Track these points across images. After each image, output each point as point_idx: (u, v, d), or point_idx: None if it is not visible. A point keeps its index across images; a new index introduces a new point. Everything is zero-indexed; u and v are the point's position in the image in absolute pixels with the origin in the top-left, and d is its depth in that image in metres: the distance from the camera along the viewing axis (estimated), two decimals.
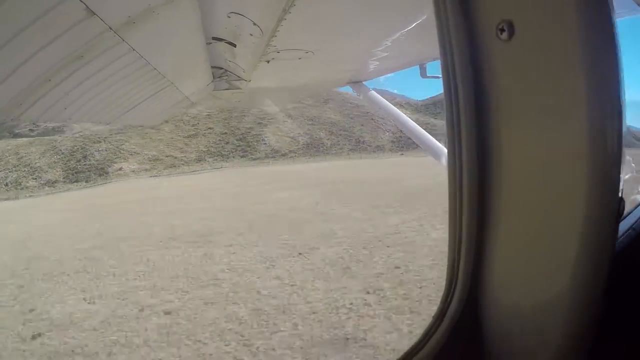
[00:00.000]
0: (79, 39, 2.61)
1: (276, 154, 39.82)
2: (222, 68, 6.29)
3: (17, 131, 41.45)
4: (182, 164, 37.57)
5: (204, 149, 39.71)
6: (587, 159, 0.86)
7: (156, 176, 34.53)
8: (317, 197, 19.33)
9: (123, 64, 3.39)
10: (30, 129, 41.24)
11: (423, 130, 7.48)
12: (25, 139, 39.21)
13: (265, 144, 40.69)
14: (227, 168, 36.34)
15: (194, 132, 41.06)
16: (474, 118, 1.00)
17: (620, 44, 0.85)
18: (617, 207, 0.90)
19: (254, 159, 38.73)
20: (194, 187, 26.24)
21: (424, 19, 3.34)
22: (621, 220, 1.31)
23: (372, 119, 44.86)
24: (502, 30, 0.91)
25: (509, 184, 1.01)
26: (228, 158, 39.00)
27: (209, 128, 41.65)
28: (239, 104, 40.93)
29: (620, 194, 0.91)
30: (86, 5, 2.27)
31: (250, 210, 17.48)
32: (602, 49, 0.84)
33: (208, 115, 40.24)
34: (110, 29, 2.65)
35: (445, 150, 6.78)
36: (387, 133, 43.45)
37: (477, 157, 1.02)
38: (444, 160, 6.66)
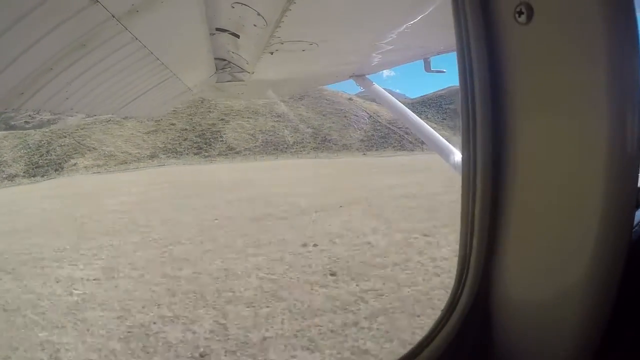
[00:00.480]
0: (81, 27, 2.57)
1: (230, 152, 40.14)
2: (225, 60, 6.24)
3: (12, 123, 41.73)
4: (135, 160, 38.24)
5: (160, 146, 40.23)
6: (605, 150, 0.83)
7: (98, 173, 35.20)
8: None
9: (125, 54, 3.35)
10: (25, 121, 41.53)
11: (426, 125, 7.44)
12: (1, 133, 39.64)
13: (222, 141, 41.03)
14: (172, 165, 37.11)
15: (154, 128, 41.43)
16: (489, 108, 0.97)
17: None
18: (635, 198, 0.87)
19: (206, 157, 39.25)
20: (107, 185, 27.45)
21: (430, 11, 3.30)
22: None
23: (345, 117, 44.92)
24: (520, 12, 0.87)
25: (524, 176, 0.98)
26: (182, 155, 39.51)
27: (171, 124, 41.92)
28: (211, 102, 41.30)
29: (637, 190, 0.88)
30: None
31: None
32: (623, 37, 0.81)
33: (174, 110, 40.34)
34: (113, 17, 2.61)
35: (447, 145, 6.75)
36: (358, 132, 43.43)
37: (492, 149, 0.99)
38: (445, 155, 6.62)
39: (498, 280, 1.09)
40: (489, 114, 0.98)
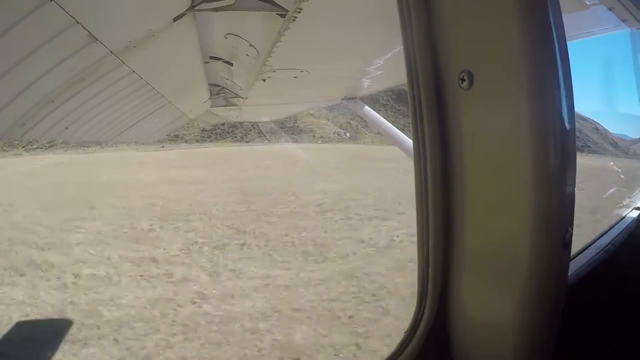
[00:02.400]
0: (81, 63, 2.70)
1: None
2: (219, 85, 6.40)
3: None
4: None
5: None
6: (538, 190, 0.98)
7: None
8: None
9: (123, 86, 3.49)
10: None
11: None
12: None
13: None
14: None
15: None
16: (439, 159, 1.12)
17: (571, 84, 0.98)
18: (562, 236, 1.02)
19: None
20: None
21: None
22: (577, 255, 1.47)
23: None
24: (462, 79, 1.03)
25: (471, 211, 1.12)
26: None
27: None
28: None
29: (566, 227, 1.03)
30: (89, 32, 2.38)
31: None
32: (552, 91, 0.97)
33: None
34: (112, 53, 2.75)
35: None
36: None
37: (442, 193, 1.14)
38: None
39: (455, 303, 1.21)
40: (439, 173, 1.13)
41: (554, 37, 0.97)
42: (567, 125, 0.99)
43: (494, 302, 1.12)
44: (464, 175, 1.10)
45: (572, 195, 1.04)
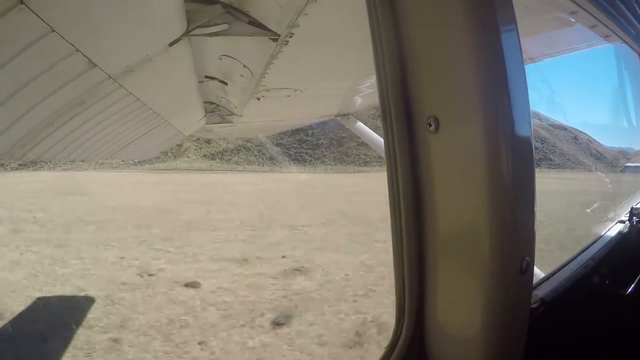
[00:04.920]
0: (80, 87, 2.81)
1: None
2: (214, 103, 6.49)
3: None
4: None
5: None
6: (495, 226, 1.10)
7: None
8: None
9: (120, 107, 3.59)
10: None
11: None
12: None
13: None
14: None
15: None
16: (411, 193, 1.24)
17: (529, 118, 1.12)
18: (519, 265, 1.14)
19: None
20: None
21: None
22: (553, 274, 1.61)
23: None
24: (429, 124, 1.15)
25: (441, 238, 1.23)
26: None
27: None
28: None
29: (523, 256, 1.15)
30: (88, 59, 2.48)
31: None
32: (506, 130, 1.09)
33: None
34: (110, 77, 2.86)
35: None
36: None
37: (415, 220, 1.25)
38: None
39: (430, 323, 1.31)
40: (411, 204, 1.25)
41: (506, 74, 1.09)
42: (525, 155, 1.12)
43: (464, 321, 1.22)
44: (434, 208, 1.21)
45: (531, 227, 1.17)
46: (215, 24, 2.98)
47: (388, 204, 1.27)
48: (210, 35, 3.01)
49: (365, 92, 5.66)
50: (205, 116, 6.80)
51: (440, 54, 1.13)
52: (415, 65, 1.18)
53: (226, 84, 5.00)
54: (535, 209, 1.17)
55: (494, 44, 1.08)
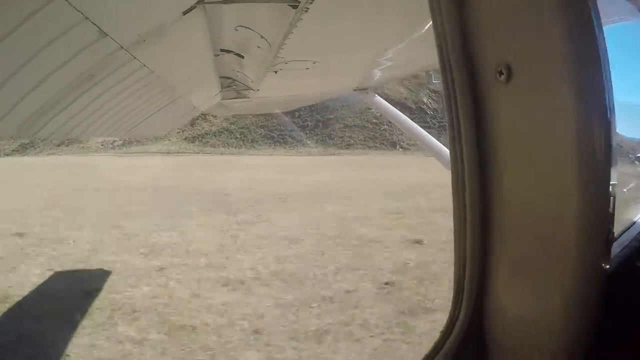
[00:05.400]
0: (91, 59, 2.66)
1: None
2: (230, 78, 6.35)
3: None
4: None
5: None
6: (579, 188, 0.94)
7: None
8: None
9: (133, 81, 3.45)
10: None
11: (428, 134, 7.47)
12: None
13: None
14: None
15: None
16: (476, 156, 1.08)
17: (611, 80, 0.94)
18: (605, 237, 0.98)
19: None
20: None
21: (429, 27, 3.36)
22: (614, 240, 1.39)
23: None
24: (500, 73, 0.97)
25: (510, 210, 1.08)
26: None
27: None
28: None
29: (609, 227, 0.99)
30: (99, 28, 2.32)
31: None
32: (593, 88, 0.92)
33: None
34: (122, 47, 2.71)
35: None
36: None
37: (479, 191, 1.10)
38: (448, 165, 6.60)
39: (492, 301, 1.17)
40: (476, 171, 1.09)
41: (594, 29, 0.92)
42: (609, 122, 0.94)
43: (533, 305, 1.09)
44: (502, 173, 1.06)
45: (614, 196, 1.00)
46: None
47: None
48: (227, 2, 2.84)
49: (386, 64, 5.47)
50: (221, 91, 6.67)
51: None
52: None
53: (242, 57, 4.85)
54: (614, 178, 0.99)
55: None
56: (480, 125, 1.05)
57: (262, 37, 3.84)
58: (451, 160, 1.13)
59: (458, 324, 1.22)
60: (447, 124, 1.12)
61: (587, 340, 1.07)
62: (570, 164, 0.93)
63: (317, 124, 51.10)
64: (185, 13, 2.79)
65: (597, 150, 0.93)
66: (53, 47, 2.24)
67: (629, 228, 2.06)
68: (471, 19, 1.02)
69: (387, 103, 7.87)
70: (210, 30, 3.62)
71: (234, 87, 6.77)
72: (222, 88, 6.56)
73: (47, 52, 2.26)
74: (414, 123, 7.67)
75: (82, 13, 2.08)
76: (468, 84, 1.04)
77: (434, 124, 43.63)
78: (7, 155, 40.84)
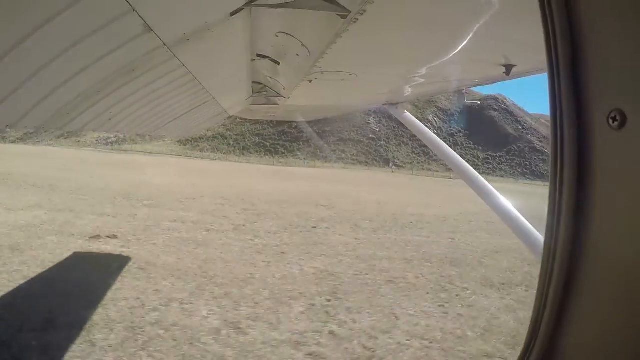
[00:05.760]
0: (132, 54, 2.60)
1: None
2: (261, 84, 6.30)
3: None
4: None
5: None
6: None
7: None
8: None
9: (171, 79, 3.39)
10: None
11: (457, 154, 7.31)
12: None
13: None
14: None
15: None
16: (575, 200, 1.00)
17: None
18: None
19: None
20: None
21: (465, 46, 3.27)
22: None
23: None
24: (614, 119, 0.89)
25: (607, 259, 0.96)
26: None
27: None
28: None
29: None
30: (144, 21, 2.26)
31: None
32: None
33: None
34: (165, 45, 2.64)
35: (477, 175, 6.56)
36: None
37: (573, 246, 1.00)
38: (475, 185, 6.40)
39: (574, 335, 1.06)
40: (573, 201, 1.00)
41: None
42: None
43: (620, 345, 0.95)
44: (601, 223, 0.97)
45: None
46: None
47: None
48: (276, 6, 2.76)
49: (419, 81, 5.36)
50: (251, 96, 6.63)
51: (630, 25, 0.86)
52: (599, 40, 0.92)
53: (278, 63, 4.79)
54: None
55: None
56: (586, 172, 0.97)
57: (302, 44, 3.77)
58: (549, 204, 1.04)
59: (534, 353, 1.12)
60: (550, 170, 1.04)
61: None
62: None
63: (312, 136, 51.64)
64: (233, 14, 2.72)
65: None
66: (97, 36, 2.18)
67: None
68: (585, 57, 0.95)
69: (416, 119, 7.74)
70: (252, 35, 3.55)
71: (265, 93, 6.73)
72: (252, 93, 6.52)
73: (90, 41, 2.20)
74: (443, 142, 7.50)
75: (129, 3, 2.01)
76: (576, 130, 0.97)
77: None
78: (12, 142, 42.37)
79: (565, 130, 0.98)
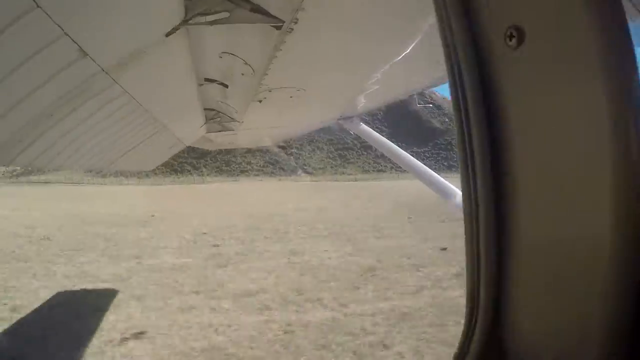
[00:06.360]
0: (70, 81, 2.59)
1: None
2: (214, 110, 6.31)
3: None
4: None
5: None
6: (610, 173, 0.79)
7: None
8: None
9: (115, 107, 3.38)
10: None
11: (418, 161, 7.42)
12: None
13: None
14: None
15: None
16: (486, 136, 0.97)
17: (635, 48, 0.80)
18: None
19: None
20: None
21: (413, 49, 3.36)
22: None
23: None
24: (511, 36, 0.87)
25: (530, 203, 0.95)
26: None
27: None
28: None
29: None
30: (78, 45, 2.27)
31: None
32: (619, 53, 0.79)
33: None
34: (102, 70, 2.65)
35: (443, 182, 6.71)
36: None
37: (492, 183, 0.98)
38: (443, 193, 6.53)
39: (510, 322, 1.04)
40: (486, 146, 0.97)
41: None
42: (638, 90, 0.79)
43: (562, 312, 0.94)
44: (517, 157, 0.94)
45: None
46: (215, 12, 2.79)
47: None
48: (210, 23, 2.82)
49: (371, 90, 5.46)
50: (205, 123, 6.63)
51: None
52: None
53: (227, 86, 4.83)
54: None
55: None
56: (489, 100, 0.94)
57: (246, 63, 3.83)
58: (459, 148, 1.01)
59: (474, 340, 1.09)
60: (452, 106, 1.01)
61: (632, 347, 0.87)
62: (597, 143, 0.79)
63: (220, 150, 52.29)
64: (168, 35, 2.76)
65: (631, 125, 0.77)
66: (32, 62, 2.16)
67: None
68: None
69: (373, 131, 7.88)
70: (193, 57, 3.59)
71: (219, 119, 6.73)
72: (206, 120, 6.52)
73: (24, 70, 2.18)
74: (402, 150, 7.64)
75: (61, 28, 2.02)
76: (473, 52, 0.94)
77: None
78: None
79: (459, 53, 0.96)
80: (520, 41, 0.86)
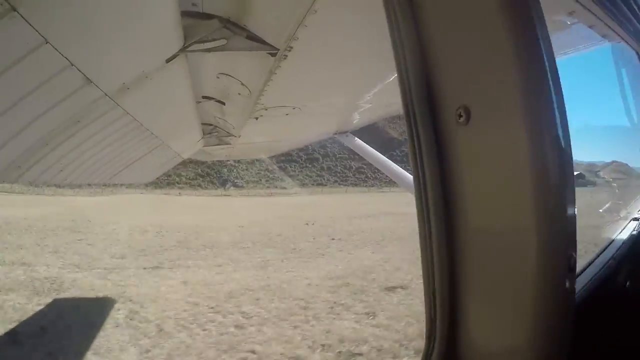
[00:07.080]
0: (76, 105, 2.74)
1: None
2: (211, 125, 6.43)
3: None
4: None
5: None
6: (538, 217, 0.98)
7: None
8: None
9: (117, 127, 3.52)
10: None
11: (404, 171, 7.54)
12: None
13: None
14: None
15: None
16: (440, 193, 1.13)
17: (565, 110, 1.00)
18: (567, 262, 1.01)
19: None
20: None
21: (390, 69, 3.48)
22: (579, 275, 1.44)
23: None
24: (460, 115, 1.04)
25: (475, 242, 1.12)
26: None
27: None
28: None
29: (570, 252, 1.02)
30: (83, 74, 2.43)
31: None
32: (546, 120, 0.98)
33: None
34: (106, 95, 2.80)
35: None
36: None
37: (445, 225, 1.15)
38: None
39: (464, 335, 1.19)
40: (441, 207, 1.14)
41: (545, 65, 0.99)
42: (565, 150, 1.00)
43: (504, 332, 1.11)
44: (466, 207, 1.11)
45: (574, 220, 1.04)
46: (213, 39, 2.93)
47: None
48: (208, 50, 2.96)
49: (365, 107, 5.61)
50: (203, 138, 6.76)
51: (472, 37, 1.03)
52: (442, 49, 1.08)
53: (224, 103, 4.95)
54: (575, 204, 1.04)
55: (531, 29, 0.98)
56: (444, 166, 1.11)
57: (242, 84, 3.96)
58: (416, 199, 1.18)
59: (434, 356, 1.22)
60: (411, 167, 1.17)
61: None
62: (530, 195, 0.98)
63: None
64: (168, 61, 2.91)
65: (556, 180, 0.98)
66: (40, 91, 2.33)
67: (594, 260, 2.14)
68: (435, 61, 1.09)
69: (367, 145, 8.02)
70: (192, 78, 3.73)
71: (216, 133, 6.85)
72: (204, 134, 6.64)
73: (34, 97, 2.35)
74: (394, 164, 7.77)
75: (67, 59, 2.18)
76: (432, 125, 1.11)
77: None
78: None
79: (419, 131, 1.12)
80: (468, 119, 1.03)
